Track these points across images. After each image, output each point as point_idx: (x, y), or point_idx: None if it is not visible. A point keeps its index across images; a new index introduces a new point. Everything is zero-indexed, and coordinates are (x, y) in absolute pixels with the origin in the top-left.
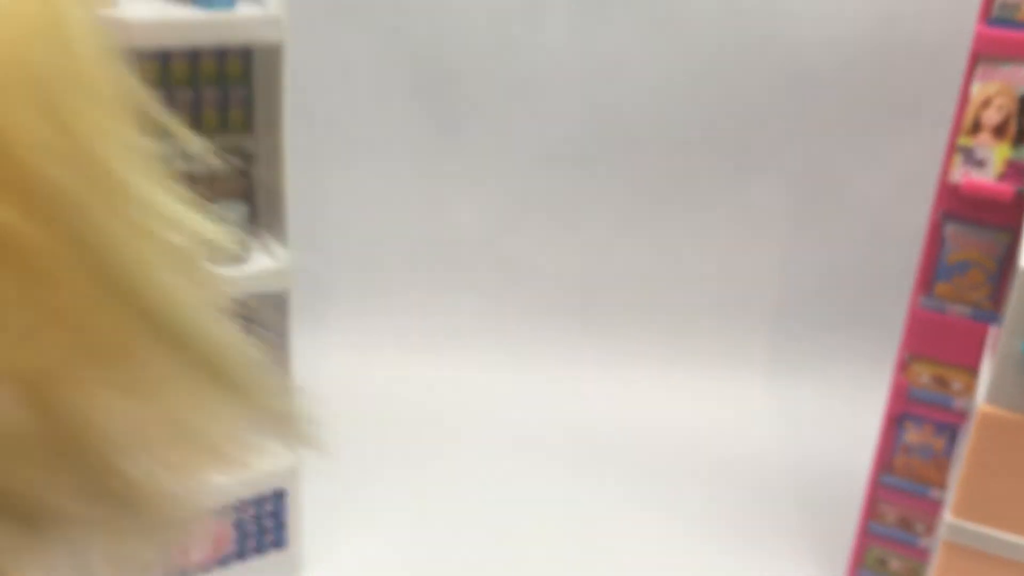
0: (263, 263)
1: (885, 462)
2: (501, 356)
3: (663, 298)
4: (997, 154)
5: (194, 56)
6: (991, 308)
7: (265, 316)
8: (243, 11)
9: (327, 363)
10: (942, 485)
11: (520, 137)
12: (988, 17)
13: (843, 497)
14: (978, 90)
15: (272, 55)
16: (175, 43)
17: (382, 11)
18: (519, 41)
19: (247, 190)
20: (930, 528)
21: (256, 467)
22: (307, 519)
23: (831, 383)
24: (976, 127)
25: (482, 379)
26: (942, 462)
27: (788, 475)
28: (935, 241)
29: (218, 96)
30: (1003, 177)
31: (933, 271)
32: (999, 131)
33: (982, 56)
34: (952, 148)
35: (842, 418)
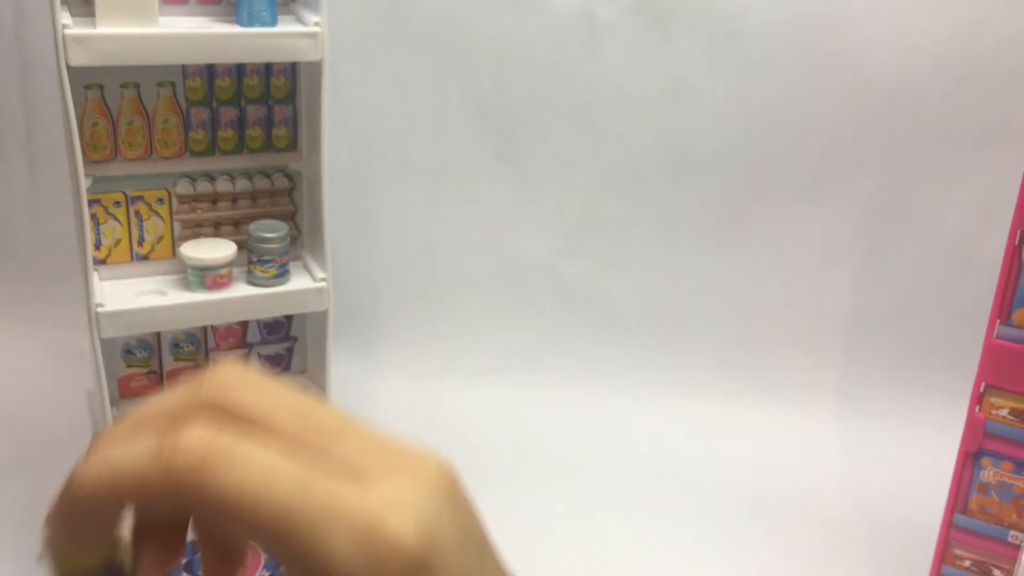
0: (302, 282)
1: (959, 502)
2: (561, 381)
3: (728, 327)
4: None
5: (239, 74)
6: None
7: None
8: (283, 28)
9: (381, 389)
10: (1023, 528)
11: (579, 162)
12: None
13: (916, 539)
14: None
15: (314, 73)
16: (212, 59)
17: (440, 35)
18: (577, 65)
19: (290, 210)
20: (1010, 574)
21: None
22: None
23: (905, 418)
24: None
25: (541, 405)
26: (1022, 502)
27: (858, 515)
28: (1013, 265)
29: (263, 115)
30: None
31: (1011, 297)
32: None
33: None
34: None
35: (917, 455)
